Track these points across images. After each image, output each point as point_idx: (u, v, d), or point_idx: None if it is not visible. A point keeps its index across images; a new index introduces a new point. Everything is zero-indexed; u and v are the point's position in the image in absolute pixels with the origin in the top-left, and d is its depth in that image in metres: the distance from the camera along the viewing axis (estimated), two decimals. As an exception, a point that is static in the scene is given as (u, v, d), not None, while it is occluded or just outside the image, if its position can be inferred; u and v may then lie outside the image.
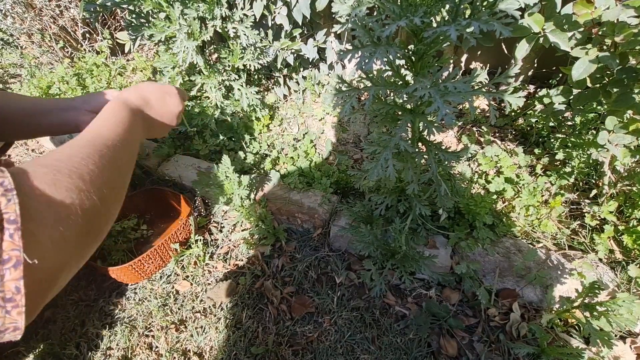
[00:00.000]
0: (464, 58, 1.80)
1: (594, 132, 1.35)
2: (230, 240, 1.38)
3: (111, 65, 2.29)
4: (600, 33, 0.89)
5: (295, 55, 1.76)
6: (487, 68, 1.79)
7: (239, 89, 1.63)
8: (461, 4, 0.62)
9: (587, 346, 0.98)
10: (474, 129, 1.64)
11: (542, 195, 1.30)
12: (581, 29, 0.95)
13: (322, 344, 1.06)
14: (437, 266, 1.15)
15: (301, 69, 1.86)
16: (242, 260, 1.31)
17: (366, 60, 0.65)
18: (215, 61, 1.63)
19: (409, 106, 0.86)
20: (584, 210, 1.26)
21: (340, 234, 1.21)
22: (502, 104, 1.71)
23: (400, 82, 0.80)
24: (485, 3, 0.63)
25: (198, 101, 1.72)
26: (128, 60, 2.45)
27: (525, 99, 1.53)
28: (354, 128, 1.73)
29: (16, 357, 1.10)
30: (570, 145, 1.36)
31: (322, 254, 1.28)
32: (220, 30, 1.48)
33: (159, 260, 1.26)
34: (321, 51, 1.77)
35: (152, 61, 2.27)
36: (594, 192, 1.25)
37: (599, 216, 1.21)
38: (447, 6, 0.64)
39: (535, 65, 1.63)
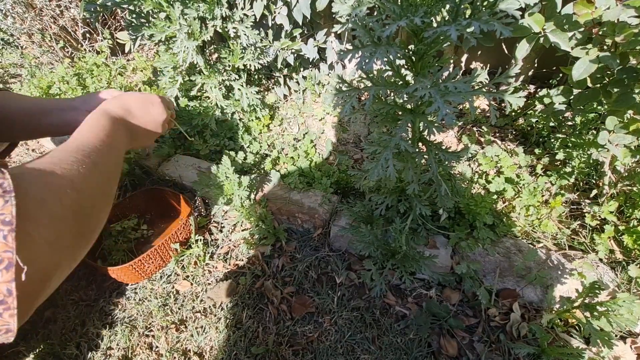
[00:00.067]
0: (464, 58, 1.80)
1: (595, 132, 1.35)
2: (230, 240, 1.38)
3: (111, 65, 2.29)
4: (600, 33, 0.89)
5: (295, 55, 1.76)
6: (488, 68, 1.79)
7: (239, 89, 1.63)
8: (461, 3, 0.62)
9: (587, 346, 0.98)
10: (475, 129, 1.64)
11: (543, 195, 1.30)
12: (581, 29, 0.95)
13: (322, 344, 1.06)
14: (438, 266, 1.15)
15: (301, 69, 1.86)
16: (242, 260, 1.31)
17: (366, 60, 0.65)
18: (215, 61, 1.63)
19: (409, 106, 0.86)
20: (585, 211, 1.26)
21: (340, 234, 1.21)
22: (503, 104, 1.71)
23: (401, 82, 0.80)
24: (485, 3, 0.62)
25: (198, 101, 1.72)
26: (128, 60, 2.45)
27: (525, 99, 1.54)
28: (354, 128, 1.73)
29: (16, 357, 1.10)
30: (570, 145, 1.36)
31: (322, 254, 1.28)
32: (220, 30, 1.48)
33: (159, 260, 1.26)
34: (321, 51, 1.77)
35: (153, 61, 2.27)
36: (595, 192, 1.25)
37: (600, 216, 1.21)
38: (448, 6, 0.64)
39: (536, 65, 1.63)
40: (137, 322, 1.17)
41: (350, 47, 0.69)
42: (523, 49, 1.08)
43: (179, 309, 1.19)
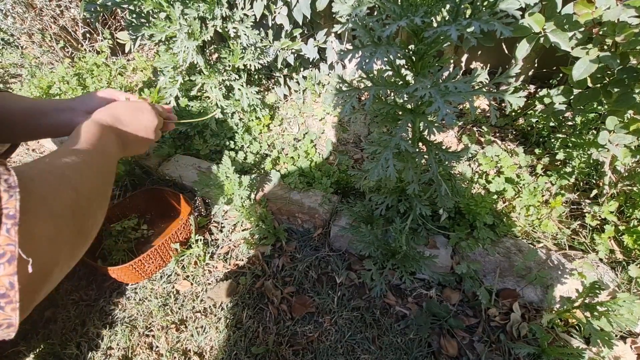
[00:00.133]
0: (464, 58, 1.80)
1: (595, 132, 1.35)
2: (230, 240, 1.38)
3: (111, 65, 2.29)
4: (601, 33, 0.89)
5: (295, 55, 1.76)
6: (488, 68, 1.79)
7: (239, 89, 1.63)
8: (462, 3, 0.62)
9: (587, 346, 0.98)
10: (475, 129, 1.64)
11: (543, 195, 1.30)
12: (582, 29, 0.94)
13: (322, 344, 1.06)
14: (438, 266, 1.15)
15: (301, 69, 1.86)
16: (242, 260, 1.31)
17: (367, 60, 0.65)
18: (215, 61, 1.63)
19: (409, 106, 0.86)
20: (585, 210, 1.26)
21: (340, 233, 1.21)
22: (503, 104, 1.71)
23: (401, 82, 0.80)
24: (485, 3, 0.62)
25: (198, 101, 1.72)
26: (128, 60, 2.45)
27: (525, 99, 1.54)
28: (354, 128, 1.73)
29: (17, 357, 1.11)
30: (570, 145, 1.36)
31: (322, 253, 1.28)
32: (220, 30, 1.48)
33: (160, 260, 1.26)
34: (321, 51, 1.77)
35: (153, 61, 2.27)
36: (595, 192, 1.25)
37: (600, 216, 1.21)
38: (448, 6, 0.64)
39: (536, 65, 1.62)
40: (137, 322, 1.17)
41: (351, 47, 0.69)
42: (523, 48, 1.08)
43: (179, 308, 1.19)
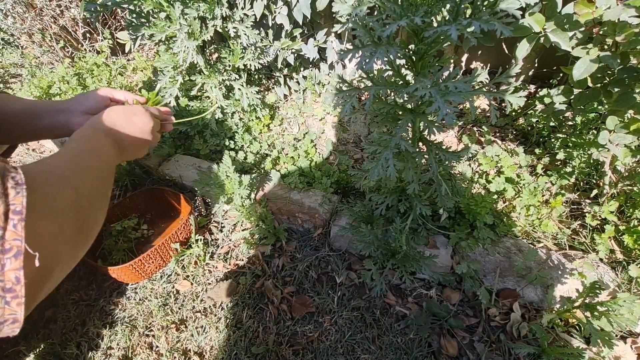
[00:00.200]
0: (464, 58, 1.80)
1: (595, 132, 1.35)
2: (230, 240, 1.38)
3: (112, 65, 2.29)
4: (601, 33, 0.89)
5: (295, 55, 1.76)
6: (488, 68, 1.79)
7: (239, 89, 1.63)
8: (462, 3, 0.61)
9: (587, 346, 0.98)
10: (475, 128, 1.63)
11: (543, 195, 1.30)
12: (582, 29, 0.94)
13: (322, 344, 1.06)
14: (438, 266, 1.15)
15: (302, 69, 1.86)
16: (242, 260, 1.31)
17: (367, 60, 0.65)
18: (215, 61, 1.63)
19: (409, 106, 0.86)
20: (585, 210, 1.26)
21: (340, 233, 1.21)
22: (503, 104, 1.71)
23: (401, 82, 0.80)
24: (486, 3, 0.62)
25: (199, 101, 1.72)
26: (128, 60, 2.45)
27: (525, 99, 1.53)
28: (354, 128, 1.73)
29: (17, 357, 1.11)
30: (571, 145, 1.36)
31: (322, 253, 1.28)
32: (220, 30, 1.48)
33: (160, 260, 1.26)
34: (322, 51, 1.77)
35: (153, 61, 2.27)
36: (595, 192, 1.25)
37: (600, 216, 1.21)
38: (448, 6, 0.64)
39: (536, 65, 1.62)
40: (138, 321, 1.17)
41: (351, 47, 0.69)
42: (523, 48, 1.08)
43: (179, 308, 1.19)
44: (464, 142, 1.57)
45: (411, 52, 0.74)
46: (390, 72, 0.80)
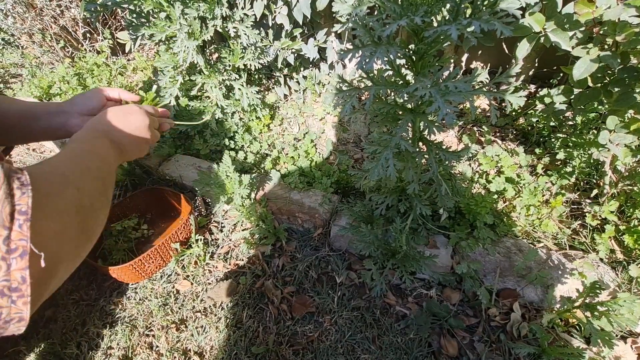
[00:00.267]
0: (464, 58, 1.80)
1: (595, 131, 1.35)
2: (230, 239, 1.38)
3: (112, 65, 2.29)
4: (601, 32, 0.89)
5: (295, 54, 1.76)
6: (488, 67, 1.79)
7: (239, 89, 1.62)
8: (462, 3, 0.61)
9: (588, 346, 0.98)
10: (475, 128, 1.63)
11: (543, 195, 1.30)
12: (582, 29, 0.94)
13: (322, 344, 1.06)
14: (438, 266, 1.14)
15: (302, 69, 1.86)
16: (242, 259, 1.31)
17: (367, 60, 0.65)
18: (215, 61, 1.63)
19: (409, 106, 0.86)
20: (585, 210, 1.26)
21: (340, 233, 1.21)
22: (503, 104, 1.71)
23: (401, 82, 0.80)
24: (486, 2, 0.62)
25: (199, 101, 1.72)
26: (129, 60, 2.45)
27: (526, 99, 1.53)
28: (354, 128, 1.73)
29: (17, 357, 1.11)
30: (571, 144, 1.36)
31: (322, 253, 1.28)
32: (220, 30, 1.48)
33: (160, 260, 1.26)
34: (322, 51, 1.77)
35: (153, 61, 2.27)
36: (595, 191, 1.25)
37: (600, 216, 1.21)
38: (448, 5, 0.64)
39: (536, 64, 1.62)
40: (138, 321, 1.17)
41: (351, 47, 0.69)
42: (523, 48, 1.08)
43: (179, 308, 1.19)
44: (464, 142, 1.57)
45: (411, 52, 0.74)
46: (390, 72, 0.80)
